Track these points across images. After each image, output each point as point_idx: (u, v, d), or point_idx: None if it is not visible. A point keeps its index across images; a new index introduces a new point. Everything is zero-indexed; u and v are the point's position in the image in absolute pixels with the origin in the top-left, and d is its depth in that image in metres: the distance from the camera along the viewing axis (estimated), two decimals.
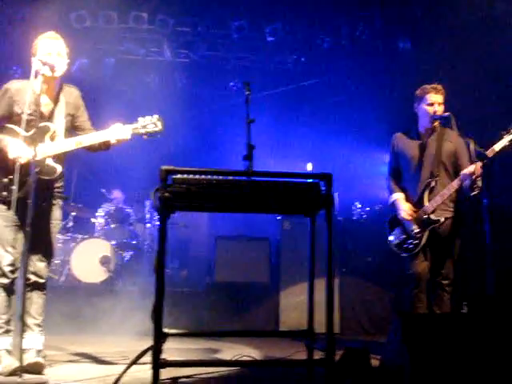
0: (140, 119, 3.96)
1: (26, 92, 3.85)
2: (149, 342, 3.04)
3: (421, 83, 4.87)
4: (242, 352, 4.77)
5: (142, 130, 3.94)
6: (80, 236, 7.87)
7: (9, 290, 3.86)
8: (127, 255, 8.15)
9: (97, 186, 8.56)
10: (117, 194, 8.60)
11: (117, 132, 3.92)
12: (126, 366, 3.20)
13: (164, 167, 2.75)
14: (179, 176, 2.77)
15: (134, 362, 3.01)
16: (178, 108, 8.56)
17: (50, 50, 3.93)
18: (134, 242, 8.33)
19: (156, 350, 2.79)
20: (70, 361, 4.45)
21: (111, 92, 8.93)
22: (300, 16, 8.54)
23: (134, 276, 8.01)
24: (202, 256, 8.91)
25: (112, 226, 8.21)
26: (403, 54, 8.76)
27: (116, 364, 4.36)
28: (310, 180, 3.12)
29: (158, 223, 8.02)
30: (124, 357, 4.62)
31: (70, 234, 7.90)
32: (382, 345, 3.71)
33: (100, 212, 8.33)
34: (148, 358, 3.03)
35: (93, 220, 8.44)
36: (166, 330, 2.95)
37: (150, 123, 3.94)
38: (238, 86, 9.48)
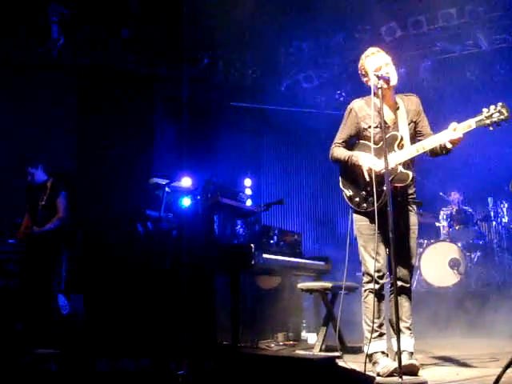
0: (484, 110, 3.78)
1: (367, 107, 4.15)
2: None
3: None
4: None
5: (488, 121, 3.75)
6: (426, 241, 7.97)
7: (379, 295, 4.09)
8: (475, 256, 7.94)
9: (435, 190, 8.52)
10: (454, 196, 8.47)
11: (458, 128, 3.84)
12: (500, 367, 3.09)
13: None
14: None
15: None
16: (502, 98, 8.08)
17: (379, 64, 4.09)
18: (480, 242, 8.08)
19: None
20: (436, 364, 4.47)
21: (433, 95, 8.92)
22: None
23: (485, 277, 7.77)
24: None
25: (456, 227, 8.12)
26: None
27: (487, 366, 4.24)
28: None
29: (505, 220, 7.68)
30: (493, 359, 4.49)
31: (417, 240, 8.05)
32: None
33: (442, 215, 8.31)
34: None
35: (436, 224, 8.44)
36: None
37: (495, 112, 3.74)
38: None
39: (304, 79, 9.76)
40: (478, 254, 7.98)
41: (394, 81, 4.07)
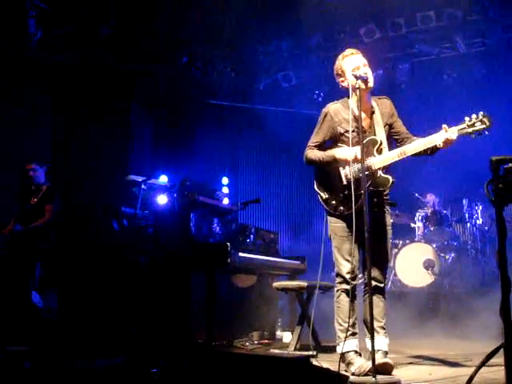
0: (466, 119, 3.85)
1: (343, 111, 4.15)
2: (490, 345, 2.93)
3: None
4: None
5: (470, 130, 3.82)
6: (401, 242, 8.02)
7: (351, 295, 4.10)
8: (450, 257, 8.02)
9: (410, 191, 8.58)
10: (430, 197, 8.55)
11: (441, 135, 3.88)
12: (472, 367, 3.13)
13: (494, 157, 2.65)
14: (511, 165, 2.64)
15: (486, 360, 2.92)
16: (479, 100, 8.20)
17: (357, 64, 4.09)
18: (455, 244, 8.16)
19: (509, 348, 2.68)
20: (411, 363, 4.48)
21: (411, 97, 9.00)
22: None
23: (459, 278, 7.86)
24: None
25: (431, 228, 8.18)
26: None
27: (460, 366, 4.28)
28: None
29: (479, 222, 7.78)
30: (466, 359, 4.53)
31: (391, 241, 8.09)
32: None
33: (417, 216, 8.38)
34: (494, 359, 2.92)
35: (412, 225, 8.51)
36: None
37: (477, 121, 3.80)
38: None
39: (282, 78, 9.78)
40: (453, 255, 8.05)
41: (371, 82, 4.07)
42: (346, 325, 4.03)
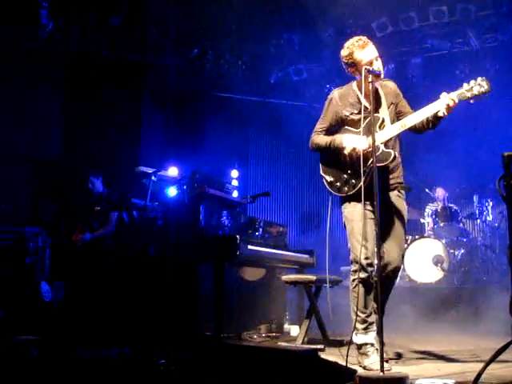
0: (464, 84, 3.84)
1: (348, 95, 4.17)
2: (499, 341, 2.91)
3: None
4: None
5: (468, 94, 3.81)
6: (410, 237, 7.98)
7: (368, 283, 4.02)
8: (459, 253, 7.98)
9: (421, 187, 8.53)
10: (440, 192, 8.50)
11: (442, 101, 3.84)
12: (481, 363, 3.11)
13: (506, 153, 2.63)
14: None
15: (495, 357, 2.91)
16: (491, 96, 8.10)
17: (371, 58, 4.04)
18: (465, 240, 8.12)
19: None
20: (417, 359, 4.45)
21: (422, 92, 8.93)
22: None
23: (469, 274, 7.82)
24: None
25: (441, 224, 8.14)
26: None
27: (468, 362, 4.25)
28: None
29: (489, 218, 7.73)
30: (474, 355, 4.51)
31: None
32: None
33: (427, 211, 8.34)
34: (503, 356, 2.91)
35: (421, 220, 8.48)
36: None
37: (475, 85, 3.80)
38: None
39: (293, 72, 9.76)
40: (462, 251, 8.02)
41: (382, 75, 4.09)
42: (363, 315, 3.99)
